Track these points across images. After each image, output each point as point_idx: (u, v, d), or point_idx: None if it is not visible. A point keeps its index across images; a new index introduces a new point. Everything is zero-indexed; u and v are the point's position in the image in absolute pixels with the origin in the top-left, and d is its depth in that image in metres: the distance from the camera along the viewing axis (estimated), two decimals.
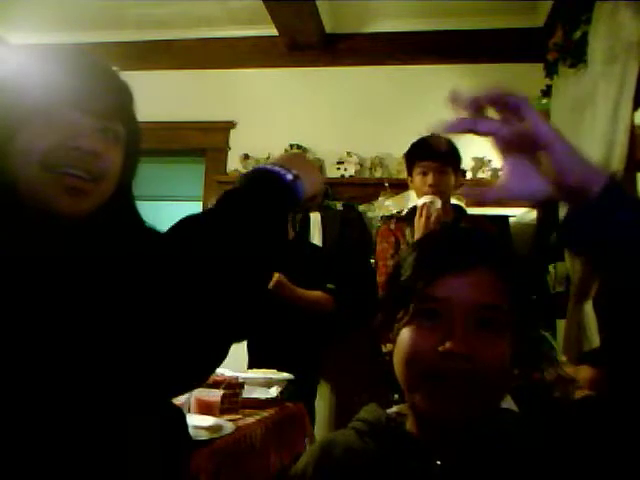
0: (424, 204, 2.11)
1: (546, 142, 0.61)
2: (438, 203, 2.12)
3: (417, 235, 2.11)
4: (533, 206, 2.79)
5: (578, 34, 2.54)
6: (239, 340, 0.82)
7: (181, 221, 0.75)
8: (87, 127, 0.79)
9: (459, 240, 0.81)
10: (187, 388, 0.82)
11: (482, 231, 0.77)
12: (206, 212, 0.80)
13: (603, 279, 0.67)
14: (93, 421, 0.70)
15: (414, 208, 2.35)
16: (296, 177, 0.80)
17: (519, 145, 0.64)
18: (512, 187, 0.65)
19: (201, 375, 0.80)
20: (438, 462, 0.75)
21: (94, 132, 0.80)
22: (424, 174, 2.20)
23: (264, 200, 0.77)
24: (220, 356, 0.76)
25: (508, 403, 0.83)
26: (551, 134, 0.62)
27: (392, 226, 2.39)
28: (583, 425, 0.71)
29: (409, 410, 0.82)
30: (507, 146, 0.65)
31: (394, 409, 0.86)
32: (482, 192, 0.66)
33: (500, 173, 0.68)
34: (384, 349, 0.83)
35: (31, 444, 0.67)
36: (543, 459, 0.72)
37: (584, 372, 2.05)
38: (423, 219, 2.08)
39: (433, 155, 2.17)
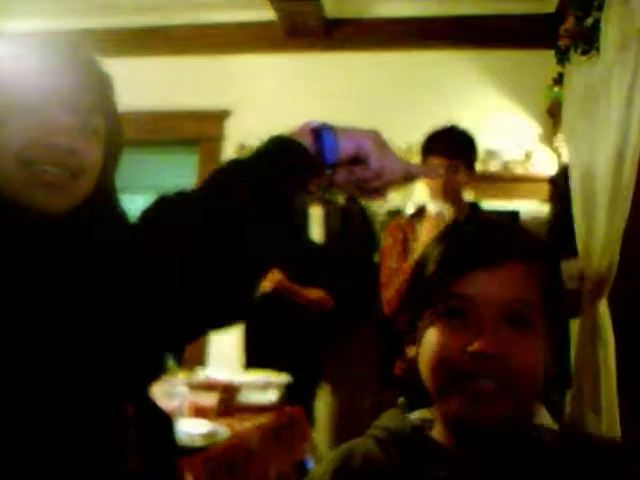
0: (437, 214, 2.11)
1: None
2: (449, 211, 2.12)
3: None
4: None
5: (590, 20, 2.51)
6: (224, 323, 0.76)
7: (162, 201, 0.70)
8: (65, 123, 0.80)
9: (487, 234, 0.78)
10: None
11: (511, 223, 0.74)
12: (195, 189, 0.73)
13: None
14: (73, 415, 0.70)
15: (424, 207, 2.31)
16: (325, 127, 0.75)
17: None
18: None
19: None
20: (465, 475, 0.71)
21: (72, 128, 0.80)
22: None
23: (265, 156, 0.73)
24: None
25: (545, 418, 0.77)
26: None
27: (402, 222, 2.37)
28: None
29: (437, 417, 0.78)
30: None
31: (417, 415, 0.82)
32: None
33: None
34: (408, 351, 0.80)
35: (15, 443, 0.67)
36: None
37: None
38: (435, 231, 2.07)
39: (444, 152, 2.16)
